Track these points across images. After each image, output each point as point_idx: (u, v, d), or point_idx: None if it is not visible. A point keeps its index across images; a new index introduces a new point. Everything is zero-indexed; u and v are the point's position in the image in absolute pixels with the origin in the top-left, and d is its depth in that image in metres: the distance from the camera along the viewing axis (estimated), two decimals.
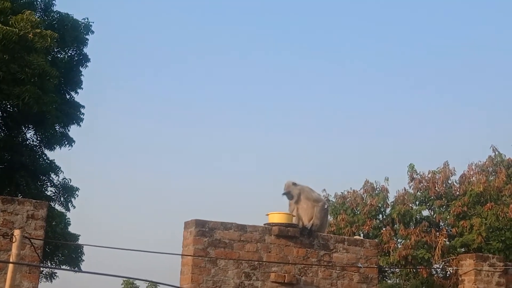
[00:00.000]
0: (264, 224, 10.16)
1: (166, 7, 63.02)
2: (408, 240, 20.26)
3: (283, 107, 59.78)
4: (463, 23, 54.29)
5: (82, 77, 20.13)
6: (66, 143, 19.53)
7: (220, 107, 63.12)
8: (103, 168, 60.72)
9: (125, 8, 62.47)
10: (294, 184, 10.59)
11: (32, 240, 8.26)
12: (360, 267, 10.39)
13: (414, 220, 21.13)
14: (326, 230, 11.02)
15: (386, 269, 21.69)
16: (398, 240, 21.28)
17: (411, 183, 21.92)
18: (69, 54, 19.98)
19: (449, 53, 53.18)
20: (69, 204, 19.47)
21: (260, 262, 9.84)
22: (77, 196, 19.59)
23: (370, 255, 10.56)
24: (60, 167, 19.33)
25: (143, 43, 65.10)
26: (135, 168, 63.10)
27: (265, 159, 57.16)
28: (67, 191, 19.37)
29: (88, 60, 20.13)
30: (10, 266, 6.95)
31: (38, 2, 19.22)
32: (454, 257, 17.83)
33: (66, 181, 19.41)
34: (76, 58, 19.99)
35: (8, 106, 18.16)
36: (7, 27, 15.81)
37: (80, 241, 19.79)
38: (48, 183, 19.35)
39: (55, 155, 19.64)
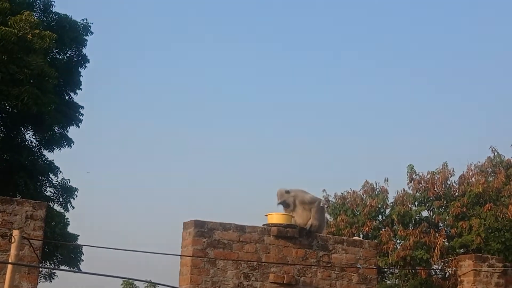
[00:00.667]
0: (263, 225, 10.15)
1: (166, 7, 63.05)
2: (407, 241, 20.26)
3: (283, 107, 59.81)
4: (462, 22, 54.31)
5: (81, 78, 20.17)
6: (65, 143, 19.55)
7: (220, 107, 63.15)
8: (102, 169, 60.70)
9: (124, 9, 62.51)
10: (287, 191, 10.39)
11: (31, 240, 8.25)
12: (359, 267, 10.39)
13: (413, 221, 21.13)
14: (325, 229, 10.98)
15: (385, 269, 21.69)
16: (397, 241, 21.28)
17: (410, 183, 21.93)
18: (68, 55, 19.99)
19: (449, 53, 53.23)
20: (68, 204, 19.50)
21: (259, 263, 9.83)
22: (76, 196, 19.63)
23: (369, 256, 10.55)
24: (59, 168, 19.38)
25: (142, 43, 65.15)
26: (134, 168, 63.11)
27: (265, 158, 57.18)
28: (66, 192, 19.39)
29: (87, 61, 20.15)
30: (9, 266, 6.95)
31: (37, 3, 19.24)
32: (453, 258, 17.83)
33: (65, 181, 19.43)
34: (75, 59, 19.99)
35: (7, 106, 18.16)
36: (6, 28, 15.82)
37: (79, 242, 19.81)
38: (47, 184, 19.38)
39: (54, 155, 19.69)
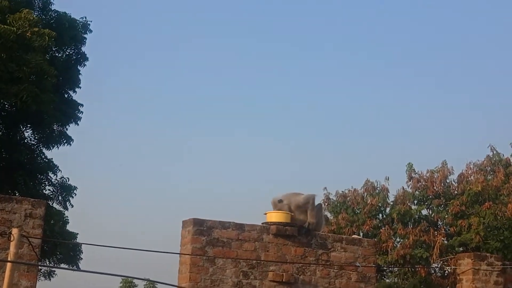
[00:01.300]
0: (262, 223, 10.15)
1: (165, 7, 62.99)
2: (406, 240, 20.26)
3: (283, 106, 59.80)
4: (462, 21, 54.30)
5: (80, 76, 20.13)
6: (64, 142, 19.53)
7: (220, 106, 63.13)
8: (101, 167, 60.71)
9: (123, 7, 62.46)
10: (280, 201, 10.33)
11: (30, 238, 8.25)
12: (358, 266, 10.39)
13: (412, 220, 21.13)
14: (323, 223, 10.95)
15: (385, 268, 21.70)
16: (397, 240, 21.28)
17: (410, 182, 21.93)
18: (67, 53, 19.95)
19: (449, 52, 53.21)
20: (67, 202, 19.49)
21: (258, 261, 9.83)
22: (75, 195, 19.62)
23: (368, 254, 10.56)
24: (58, 166, 19.36)
25: (142, 42, 65.16)
26: (133, 167, 63.13)
27: (265, 158, 57.18)
28: (65, 190, 19.37)
29: (86, 59, 20.11)
30: (8, 265, 6.95)
31: (36, 1, 19.20)
32: (452, 256, 17.82)
33: (64, 180, 19.42)
34: (74, 57, 19.96)
35: (6, 105, 18.15)
36: (5, 26, 15.81)
37: (78, 240, 19.80)
38: (46, 182, 19.36)
39: (53, 154, 19.68)
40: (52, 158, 19.42)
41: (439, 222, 21.48)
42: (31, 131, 19.37)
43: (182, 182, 65.69)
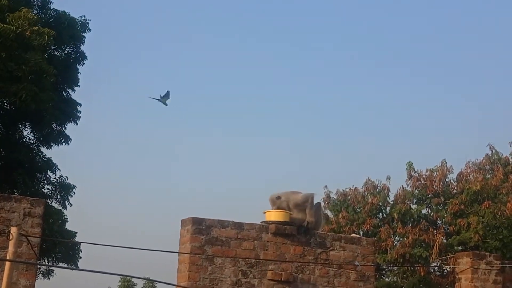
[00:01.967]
0: (261, 222, 10.14)
1: (165, 6, 62.99)
2: (405, 239, 20.27)
3: (284, 106, 59.80)
4: (462, 20, 54.31)
5: (79, 75, 20.12)
6: (63, 140, 19.53)
7: (220, 106, 63.11)
8: (100, 166, 60.69)
9: (123, 6, 62.44)
10: (278, 197, 10.28)
11: (29, 237, 8.24)
12: (357, 265, 10.38)
13: (412, 219, 21.13)
14: (323, 222, 10.93)
15: (384, 267, 21.70)
16: (396, 239, 21.29)
17: (409, 181, 21.93)
18: (66, 52, 19.94)
19: (449, 52, 53.22)
20: (66, 201, 19.49)
21: (257, 260, 9.83)
22: (74, 193, 19.62)
23: (367, 253, 10.55)
24: (57, 165, 19.36)
25: (141, 41, 65.11)
26: (132, 165, 63.11)
27: (265, 157, 57.18)
28: (64, 189, 19.37)
29: (85, 58, 20.10)
30: (7, 263, 6.94)
31: (35, 0, 19.19)
32: (451, 255, 17.83)
33: (63, 178, 19.42)
34: (73, 56, 19.95)
35: (5, 103, 18.14)
36: (4, 25, 15.80)
37: (77, 239, 19.78)
38: (45, 181, 19.36)
39: (52, 152, 19.68)
40: (51, 157, 19.46)
41: (438, 221, 21.48)
42: (30, 130, 19.38)
43: (181, 181, 65.67)
